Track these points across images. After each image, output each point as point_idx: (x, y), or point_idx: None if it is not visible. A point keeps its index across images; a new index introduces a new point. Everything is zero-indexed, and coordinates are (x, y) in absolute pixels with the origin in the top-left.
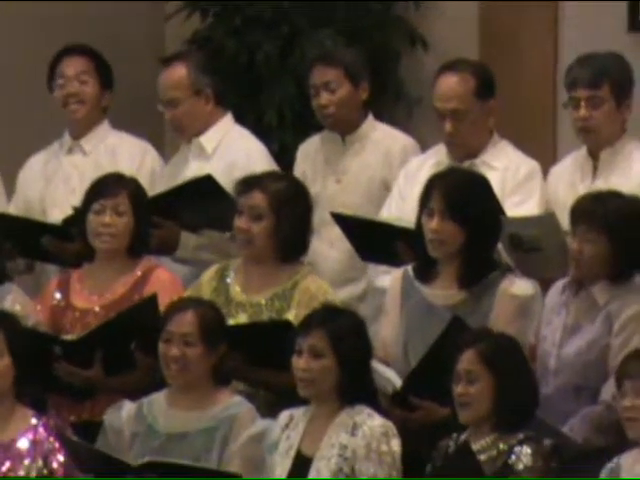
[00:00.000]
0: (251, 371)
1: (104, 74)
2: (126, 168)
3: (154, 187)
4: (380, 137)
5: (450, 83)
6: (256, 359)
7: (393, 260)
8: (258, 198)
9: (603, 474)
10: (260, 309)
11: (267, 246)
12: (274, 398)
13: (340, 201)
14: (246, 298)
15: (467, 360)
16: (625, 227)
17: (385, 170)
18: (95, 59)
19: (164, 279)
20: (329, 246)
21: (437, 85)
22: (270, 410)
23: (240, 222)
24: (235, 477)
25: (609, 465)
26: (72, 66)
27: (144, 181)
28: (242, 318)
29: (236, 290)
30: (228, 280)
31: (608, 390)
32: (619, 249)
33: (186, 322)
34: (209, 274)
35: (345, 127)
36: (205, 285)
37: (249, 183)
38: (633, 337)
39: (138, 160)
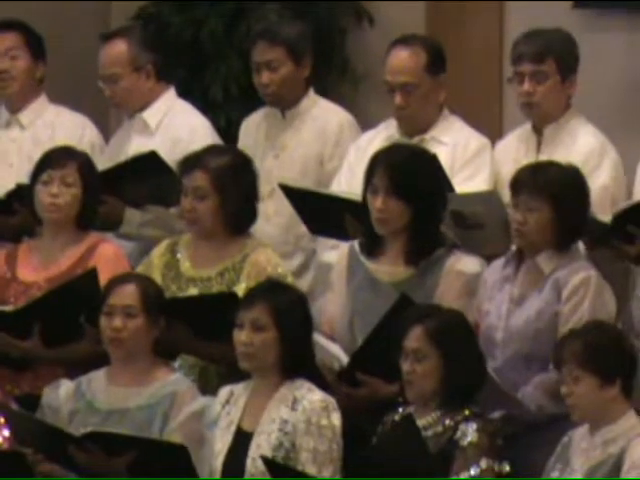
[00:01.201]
0: (200, 344)
1: (35, 46)
2: (65, 142)
3: (94, 161)
4: (318, 113)
5: (401, 57)
6: (204, 332)
7: (342, 234)
8: (200, 178)
9: (558, 447)
10: (210, 283)
11: (214, 223)
12: (226, 371)
13: (277, 176)
14: (196, 273)
15: (415, 337)
16: (567, 194)
17: (320, 146)
18: (24, 32)
19: (109, 253)
20: (265, 221)
21: (388, 59)
22: (222, 383)
23: (185, 202)
24: (178, 448)
25: (564, 439)
26: (1, 43)
27: None
28: (193, 292)
29: (186, 265)
30: (178, 255)
31: None
32: (562, 216)
33: (128, 294)
34: (159, 250)
35: (286, 103)
36: (156, 261)
37: (190, 163)
38: (582, 303)
39: (77, 134)
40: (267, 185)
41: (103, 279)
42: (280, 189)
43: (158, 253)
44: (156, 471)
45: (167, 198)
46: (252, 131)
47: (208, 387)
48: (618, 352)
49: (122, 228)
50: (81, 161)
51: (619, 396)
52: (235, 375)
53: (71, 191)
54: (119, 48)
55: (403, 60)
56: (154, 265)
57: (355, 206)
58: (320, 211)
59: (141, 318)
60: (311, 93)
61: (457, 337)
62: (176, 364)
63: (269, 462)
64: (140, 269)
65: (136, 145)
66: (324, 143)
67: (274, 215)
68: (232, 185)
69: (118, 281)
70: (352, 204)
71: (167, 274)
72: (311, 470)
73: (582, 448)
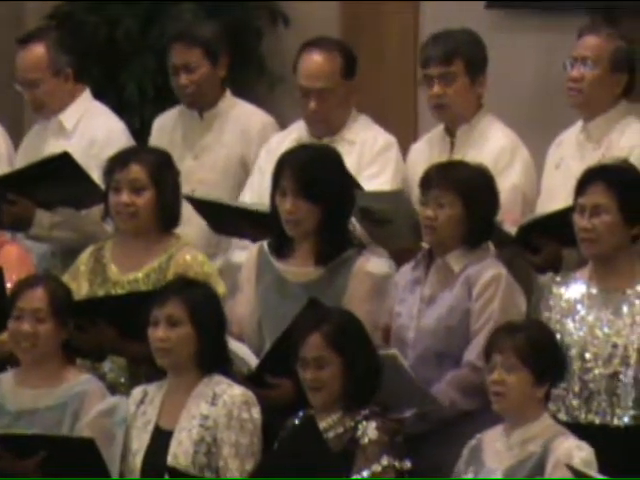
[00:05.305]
0: (126, 344)
1: None
2: None
3: None
4: (238, 114)
5: (317, 62)
6: (130, 332)
7: (246, 235)
8: (137, 171)
9: (466, 450)
10: (137, 285)
11: (151, 217)
12: (155, 371)
13: (197, 177)
14: (123, 276)
15: (314, 346)
16: (477, 192)
17: (243, 148)
18: None
19: (13, 255)
20: (185, 223)
21: (303, 63)
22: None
23: (121, 197)
24: (86, 441)
25: (471, 442)
26: None
27: None
28: None
29: (112, 270)
30: (104, 260)
31: (471, 352)
32: (472, 213)
33: (37, 298)
34: (85, 256)
35: (203, 104)
36: (82, 268)
37: (124, 158)
38: (492, 300)
39: None
40: (186, 186)
41: (8, 281)
42: (186, 200)
43: (83, 260)
44: (68, 468)
45: (78, 200)
46: (168, 131)
47: None
48: (556, 357)
49: (32, 230)
50: None
51: (542, 400)
52: (162, 375)
53: None
54: (37, 52)
55: (319, 65)
56: (80, 272)
57: (261, 216)
58: (226, 220)
59: (50, 322)
60: (228, 94)
61: (353, 338)
62: (106, 366)
63: (173, 471)
64: (66, 277)
65: (52, 147)
66: (247, 145)
67: (194, 217)
68: (165, 178)
69: (26, 284)
70: (258, 214)
71: (94, 280)
72: (233, 464)
73: (497, 449)
